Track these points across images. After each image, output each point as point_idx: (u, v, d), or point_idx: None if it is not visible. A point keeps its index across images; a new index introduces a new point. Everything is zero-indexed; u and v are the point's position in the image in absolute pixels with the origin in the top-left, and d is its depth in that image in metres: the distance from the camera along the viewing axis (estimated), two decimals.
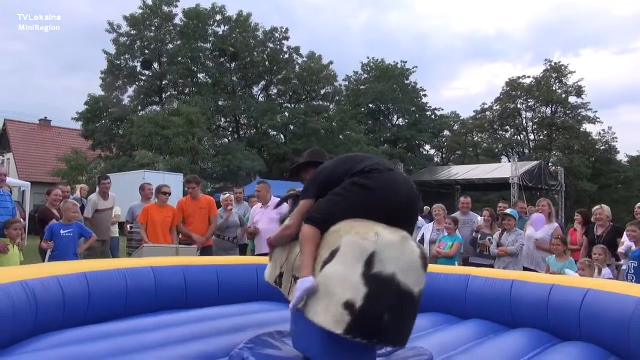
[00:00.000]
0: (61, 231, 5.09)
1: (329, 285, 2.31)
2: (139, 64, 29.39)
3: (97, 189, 7.19)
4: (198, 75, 30.34)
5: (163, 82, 29.91)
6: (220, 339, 3.06)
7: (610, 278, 4.79)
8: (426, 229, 6.50)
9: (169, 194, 6.06)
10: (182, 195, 18.50)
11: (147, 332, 3.19)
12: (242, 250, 6.81)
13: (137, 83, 29.76)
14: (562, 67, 36.55)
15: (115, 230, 7.93)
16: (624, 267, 5.03)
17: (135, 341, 2.99)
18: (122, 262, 4.05)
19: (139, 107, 29.34)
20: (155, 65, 29.82)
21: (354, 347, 2.36)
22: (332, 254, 2.38)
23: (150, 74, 29.81)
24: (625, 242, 5.18)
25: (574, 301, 3.43)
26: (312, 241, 2.54)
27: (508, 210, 5.97)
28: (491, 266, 5.68)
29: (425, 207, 14.15)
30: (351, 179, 2.63)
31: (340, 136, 31.08)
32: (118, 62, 28.67)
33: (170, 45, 29.33)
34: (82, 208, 7.74)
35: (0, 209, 4.71)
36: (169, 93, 30.29)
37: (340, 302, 2.24)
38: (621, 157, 39.01)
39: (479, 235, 6.15)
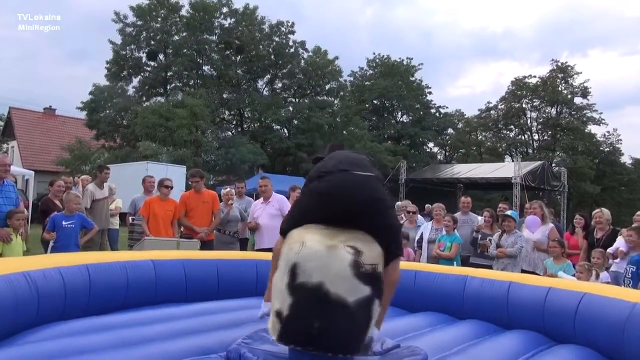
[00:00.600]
0: (63, 222, 5.13)
1: (272, 293, 2.44)
2: (145, 55, 29.44)
3: (97, 178, 7.21)
4: (203, 67, 30.36)
5: (168, 74, 29.94)
6: (219, 334, 3.09)
7: (608, 282, 4.82)
8: (425, 228, 6.53)
9: (171, 187, 6.10)
10: (185, 188, 18.65)
11: (147, 325, 3.23)
12: (243, 244, 6.86)
13: (142, 74, 29.82)
14: (569, 68, 36.43)
15: (115, 222, 7.99)
16: (614, 268, 5.06)
17: (136, 334, 3.03)
18: (123, 255, 4.08)
19: (144, 98, 29.41)
20: (161, 56, 29.85)
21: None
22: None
23: (156, 65, 29.85)
24: (615, 244, 5.22)
25: (570, 304, 3.45)
26: (276, 254, 2.56)
27: (508, 212, 6.00)
28: (490, 267, 5.71)
29: (426, 205, 14.20)
30: (310, 183, 2.67)
31: (344, 132, 31.07)
32: (124, 53, 28.73)
33: (176, 37, 29.36)
34: None
35: (4, 199, 4.75)
36: (173, 85, 30.32)
37: (274, 311, 2.35)
38: (625, 159, 38.94)
39: (480, 236, 6.18)
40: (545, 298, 3.64)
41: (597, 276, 4.78)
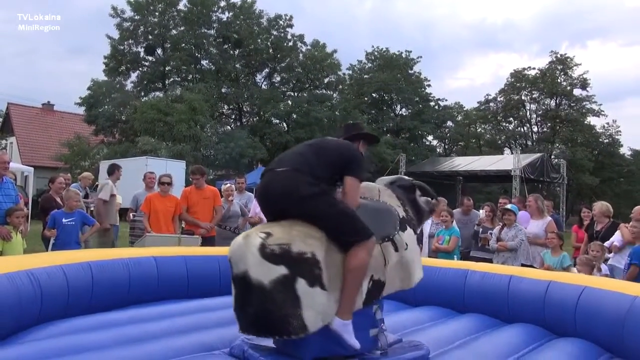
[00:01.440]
0: (63, 220, 5.14)
1: None
2: (143, 49, 29.33)
3: (112, 175, 7.12)
4: (201, 62, 30.27)
5: (166, 69, 29.85)
6: (221, 331, 3.11)
7: (607, 274, 4.84)
8: (425, 223, 6.52)
9: (170, 184, 6.09)
10: (185, 183, 18.63)
11: (150, 322, 3.25)
12: None
13: (140, 69, 29.73)
14: (568, 59, 36.30)
15: (116, 218, 7.98)
16: (612, 262, 5.08)
17: (139, 331, 3.05)
18: (125, 252, 4.09)
19: (142, 93, 29.33)
20: (159, 51, 29.75)
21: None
22: None
23: (154, 60, 29.75)
24: (612, 238, 5.24)
25: (570, 298, 3.47)
26: None
27: (509, 206, 6.00)
28: (491, 260, 5.72)
29: None
30: None
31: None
32: (122, 48, 28.61)
33: (174, 32, 29.26)
34: (85, 196, 7.80)
35: (4, 197, 4.75)
36: (172, 79, 30.24)
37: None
38: (625, 150, 38.93)
39: (481, 229, 6.19)
40: (545, 292, 3.66)
41: (600, 269, 4.80)
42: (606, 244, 5.32)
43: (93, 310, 3.47)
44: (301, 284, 2.36)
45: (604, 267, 4.92)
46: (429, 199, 3.22)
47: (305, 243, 2.43)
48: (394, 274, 2.71)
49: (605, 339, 3.21)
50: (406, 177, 3.21)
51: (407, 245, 2.76)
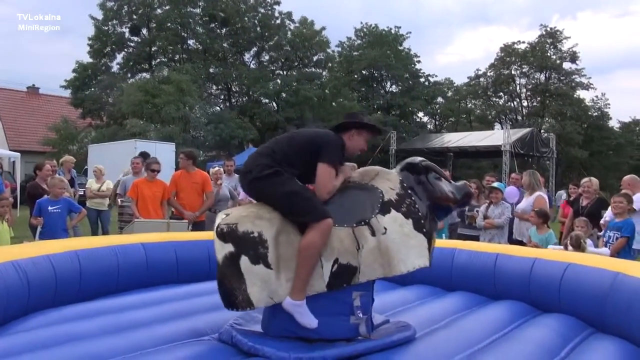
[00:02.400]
0: (49, 207, 5.11)
1: None
2: (127, 30, 28.76)
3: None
4: (188, 41, 29.77)
5: (152, 49, 29.33)
6: (210, 316, 3.12)
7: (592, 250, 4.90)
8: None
9: (158, 171, 6.04)
10: (175, 165, 18.50)
11: (138, 309, 3.26)
12: None
13: (125, 50, 29.20)
14: (557, 33, 36.17)
15: (106, 203, 7.96)
16: (604, 237, 5.14)
17: (127, 318, 3.06)
18: (113, 239, 4.09)
19: (129, 75, 28.88)
20: (144, 31, 29.19)
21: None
22: None
23: (139, 40, 29.21)
24: (607, 213, 5.28)
25: (555, 275, 3.53)
26: None
27: (495, 184, 6.04)
28: (477, 237, 5.78)
29: None
30: None
31: (334, 104, 30.85)
32: (105, 28, 28.02)
33: (159, 11, 28.65)
34: (71, 182, 7.74)
35: None
36: (158, 60, 29.73)
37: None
38: (613, 123, 39.16)
39: (467, 208, 6.23)
40: (531, 269, 3.71)
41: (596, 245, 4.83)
42: (603, 220, 5.36)
43: (82, 299, 3.47)
44: (244, 261, 2.55)
45: (589, 242, 4.98)
46: (465, 182, 3.11)
47: (253, 223, 2.58)
48: (372, 259, 2.63)
49: (588, 314, 3.28)
50: (418, 158, 3.05)
51: (385, 229, 2.66)
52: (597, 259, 3.53)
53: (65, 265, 3.43)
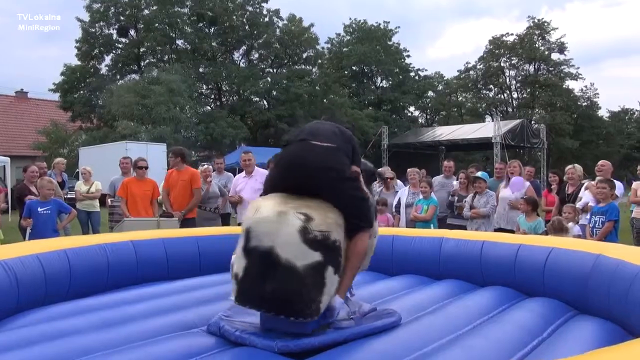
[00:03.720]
0: (39, 209, 5.11)
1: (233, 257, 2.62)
2: (115, 31, 28.61)
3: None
4: (177, 41, 29.67)
5: (141, 50, 29.21)
6: (200, 309, 3.16)
7: (579, 235, 4.98)
8: (402, 193, 6.63)
9: (146, 167, 6.05)
10: (167, 166, 18.45)
11: (128, 305, 3.28)
12: (225, 219, 6.90)
13: (114, 52, 29.05)
14: (545, 24, 36.40)
15: (96, 205, 7.95)
16: (585, 222, 5.22)
17: (118, 314, 3.09)
18: (102, 238, 4.11)
19: (118, 77, 28.75)
20: (132, 32, 29.06)
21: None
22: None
23: (127, 41, 29.06)
24: (583, 198, 5.36)
25: (539, 259, 3.59)
26: None
27: (479, 174, 6.12)
28: (465, 227, 5.85)
29: (408, 169, 14.36)
30: None
31: (324, 100, 30.87)
32: (93, 30, 27.86)
33: (147, 11, 28.53)
34: (62, 184, 7.74)
35: None
36: (147, 61, 29.61)
37: (233, 273, 2.56)
38: (603, 112, 39.48)
39: (456, 198, 6.31)
40: (516, 255, 3.77)
41: (568, 231, 4.92)
42: (579, 204, 5.46)
43: (72, 298, 3.49)
44: (329, 271, 2.42)
45: (577, 228, 5.05)
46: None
47: (337, 232, 2.47)
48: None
49: (571, 296, 3.34)
50: (369, 164, 3.19)
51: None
52: (579, 243, 3.59)
53: (55, 264, 3.45)
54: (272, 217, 2.43)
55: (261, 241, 2.41)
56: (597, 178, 5.31)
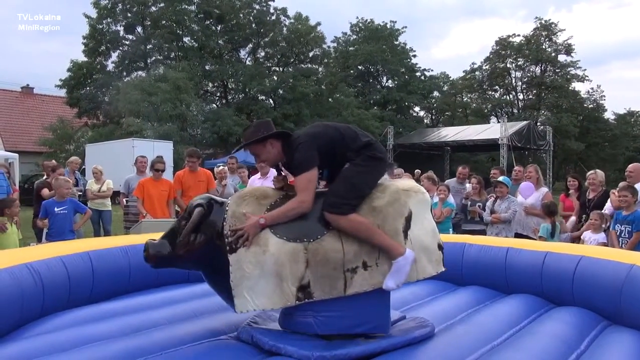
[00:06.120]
0: (55, 209, 5.07)
1: (424, 243, 2.71)
2: (122, 28, 28.58)
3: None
4: (183, 39, 29.61)
5: (147, 47, 29.16)
6: (226, 315, 3.11)
7: (604, 243, 4.91)
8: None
9: (163, 170, 6.02)
10: (173, 164, 18.40)
11: (153, 310, 3.25)
12: None
13: (120, 48, 29.01)
14: (552, 25, 36.25)
15: (108, 204, 7.92)
16: (615, 230, 5.15)
17: (143, 319, 3.05)
18: (123, 240, 4.06)
19: (124, 73, 28.72)
20: (139, 29, 29.02)
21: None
22: (408, 220, 2.69)
23: (134, 38, 29.03)
24: (607, 207, 5.29)
25: (567, 268, 3.53)
26: (371, 225, 2.62)
27: (500, 178, 6.05)
28: (483, 232, 5.80)
29: (415, 170, 14.29)
30: (360, 154, 2.72)
31: (330, 99, 30.80)
32: (100, 27, 27.82)
33: (154, 8, 28.47)
34: (75, 182, 7.70)
35: None
36: (154, 58, 29.57)
37: (436, 247, 2.76)
38: (609, 115, 39.34)
39: (469, 203, 6.26)
40: (543, 262, 3.72)
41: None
42: (607, 211, 5.37)
43: (95, 300, 3.46)
44: None
45: (602, 235, 4.98)
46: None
47: None
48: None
49: (603, 306, 3.29)
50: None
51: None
52: (610, 252, 3.54)
53: (78, 267, 3.41)
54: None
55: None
56: (621, 184, 5.23)
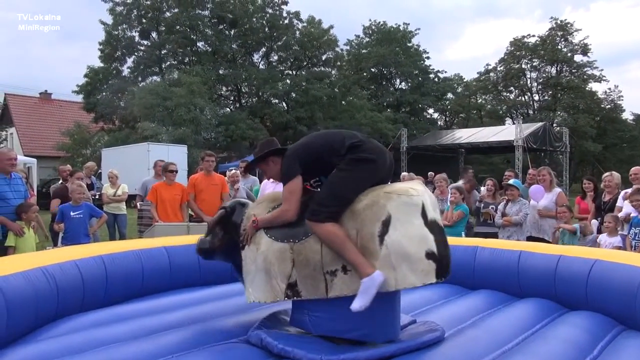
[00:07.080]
0: (71, 213, 5.15)
1: (404, 249, 2.50)
2: (137, 33, 28.98)
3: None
4: (197, 44, 29.91)
5: (162, 52, 29.53)
6: (237, 318, 3.14)
7: (620, 247, 4.83)
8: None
9: (176, 172, 6.08)
10: (187, 167, 18.55)
11: (166, 313, 3.28)
12: None
13: (136, 54, 29.42)
14: (568, 25, 35.79)
15: (123, 207, 8.02)
16: (630, 234, 5.06)
17: (155, 322, 3.08)
18: (136, 244, 4.11)
19: (139, 78, 29.09)
20: (154, 34, 29.38)
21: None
22: (386, 224, 2.53)
23: (149, 44, 29.40)
24: (624, 209, 5.20)
25: (581, 271, 3.49)
26: (345, 236, 2.56)
27: (511, 181, 5.99)
28: (496, 234, 5.74)
29: (429, 172, 14.22)
30: (344, 158, 2.67)
31: (343, 102, 30.81)
32: (116, 33, 28.25)
33: (168, 14, 28.84)
34: (90, 186, 7.82)
35: (14, 193, 4.75)
36: (168, 63, 29.93)
37: (423, 256, 2.50)
38: (627, 115, 38.66)
39: (482, 205, 6.21)
40: (556, 266, 3.67)
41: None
42: (621, 214, 5.30)
43: (108, 304, 3.50)
44: None
45: (617, 238, 4.91)
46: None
47: None
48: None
49: (617, 311, 3.24)
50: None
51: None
52: (625, 255, 3.48)
53: (92, 270, 3.47)
54: (423, 190, 2.69)
55: (430, 213, 2.60)
56: (635, 186, 5.14)
